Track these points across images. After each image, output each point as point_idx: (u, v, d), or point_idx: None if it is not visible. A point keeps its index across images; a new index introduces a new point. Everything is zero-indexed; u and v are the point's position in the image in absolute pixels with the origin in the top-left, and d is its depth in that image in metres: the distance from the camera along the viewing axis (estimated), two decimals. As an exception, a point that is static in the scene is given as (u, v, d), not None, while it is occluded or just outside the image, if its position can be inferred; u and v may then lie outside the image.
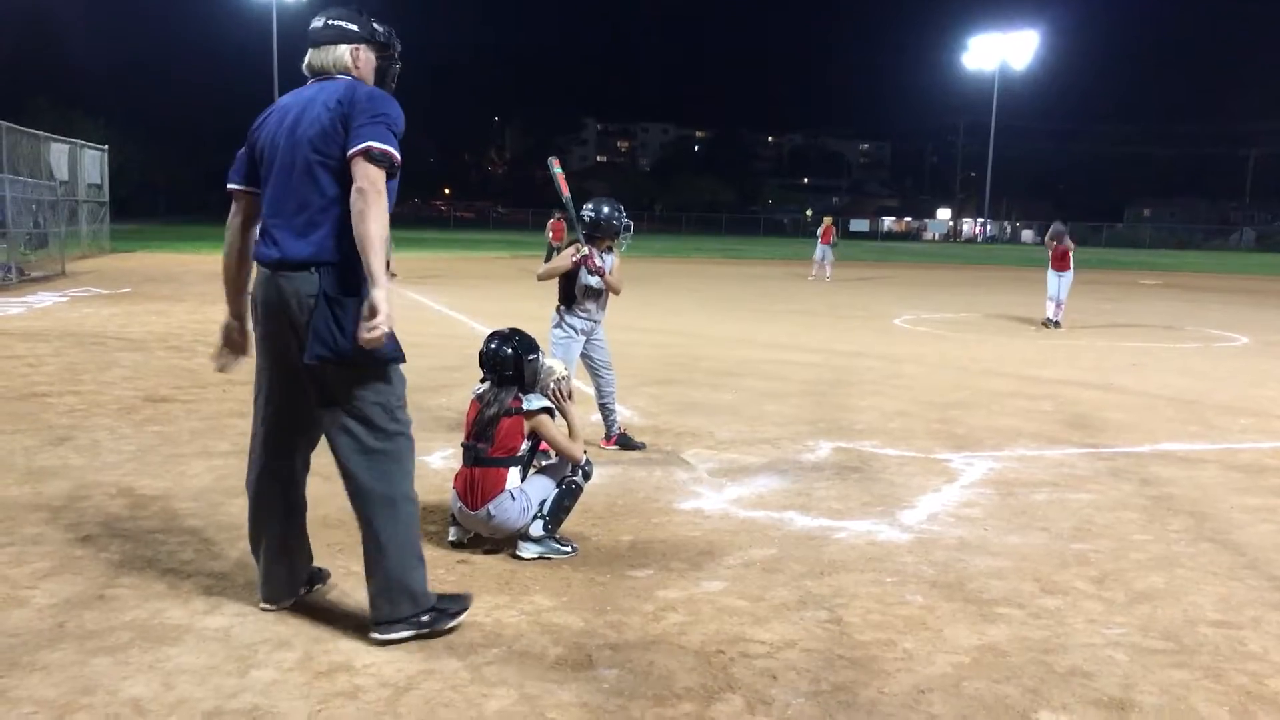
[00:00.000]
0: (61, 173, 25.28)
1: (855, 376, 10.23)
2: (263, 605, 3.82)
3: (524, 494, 4.54)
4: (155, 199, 79.00)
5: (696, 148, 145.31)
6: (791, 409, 8.31)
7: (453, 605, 3.71)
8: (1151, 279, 33.53)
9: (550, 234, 26.60)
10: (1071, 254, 15.92)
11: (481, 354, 4.74)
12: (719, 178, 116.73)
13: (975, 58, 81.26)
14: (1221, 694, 3.35)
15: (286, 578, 3.85)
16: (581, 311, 6.58)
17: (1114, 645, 3.72)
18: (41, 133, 24.32)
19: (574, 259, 6.43)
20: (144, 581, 4.10)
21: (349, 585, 4.10)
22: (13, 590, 3.96)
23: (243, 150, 3.70)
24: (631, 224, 6.72)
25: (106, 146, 31.58)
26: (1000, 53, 77.68)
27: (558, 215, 26.77)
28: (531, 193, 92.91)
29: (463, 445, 4.62)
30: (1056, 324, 15.64)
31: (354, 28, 3.63)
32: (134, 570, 4.22)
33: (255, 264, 3.61)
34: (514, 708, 3.13)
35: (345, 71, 3.60)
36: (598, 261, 6.45)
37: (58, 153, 25.20)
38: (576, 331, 6.58)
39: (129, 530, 4.74)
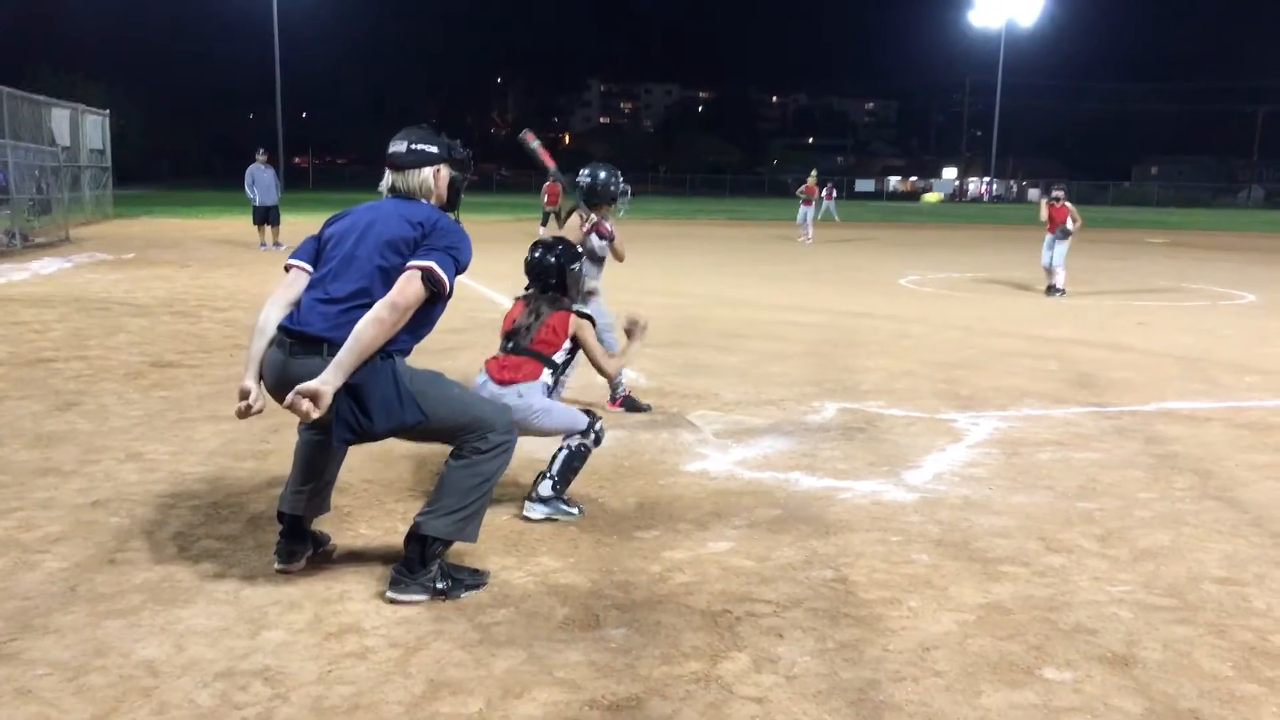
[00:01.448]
0: (63, 138, 25.17)
1: (861, 337, 10.22)
2: (277, 567, 3.85)
3: (554, 402, 4.60)
4: (157, 163, 78.73)
5: (700, 109, 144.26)
6: (797, 370, 8.31)
7: (470, 578, 3.76)
8: (1158, 237, 33.37)
9: (545, 198, 26.44)
10: (1062, 215, 14.78)
11: (526, 262, 4.86)
12: (723, 139, 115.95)
13: (981, 15, 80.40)
14: (1225, 650, 3.37)
15: (321, 503, 3.97)
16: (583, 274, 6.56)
17: (1118, 602, 3.74)
18: (43, 98, 24.21)
19: (584, 230, 6.40)
20: (154, 545, 4.13)
21: (358, 548, 4.13)
22: (24, 554, 4.00)
23: (311, 238, 3.80)
24: (629, 188, 6.69)
25: (108, 111, 31.44)
26: (1007, 9, 76.87)
27: (553, 178, 26.54)
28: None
29: (502, 336, 4.71)
30: (1060, 290, 14.66)
31: (434, 150, 3.75)
32: (144, 534, 4.25)
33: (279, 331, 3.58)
34: (522, 667, 3.16)
35: (428, 193, 3.74)
36: (608, 226, 6.44)
37: (59, 118, 25.08)
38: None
39: (138, 495, 4.77)
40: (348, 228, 3.67)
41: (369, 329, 3.36)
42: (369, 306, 3.43)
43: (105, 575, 3.80)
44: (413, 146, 3.73)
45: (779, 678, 3.12)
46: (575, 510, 4.59)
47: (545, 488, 4.56)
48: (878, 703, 2.98)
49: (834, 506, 4.79)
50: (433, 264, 3.47)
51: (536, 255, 4.85)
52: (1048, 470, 5.46)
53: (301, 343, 3.47)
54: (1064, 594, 3.80)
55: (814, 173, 29.54)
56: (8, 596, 3.60)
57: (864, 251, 24.45)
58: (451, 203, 3.83)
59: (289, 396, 3.33)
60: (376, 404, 3.44)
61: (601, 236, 6.44)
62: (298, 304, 3.61)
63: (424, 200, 3.74)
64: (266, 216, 20.38)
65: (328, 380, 3.31)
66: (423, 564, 3.61)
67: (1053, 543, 4.35)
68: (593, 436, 4.71)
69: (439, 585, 3.63)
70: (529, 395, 4.50)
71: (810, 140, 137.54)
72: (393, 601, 3.58)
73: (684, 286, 14.88)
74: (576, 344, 4.76)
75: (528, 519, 4.51)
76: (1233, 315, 12.87)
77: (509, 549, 4.17)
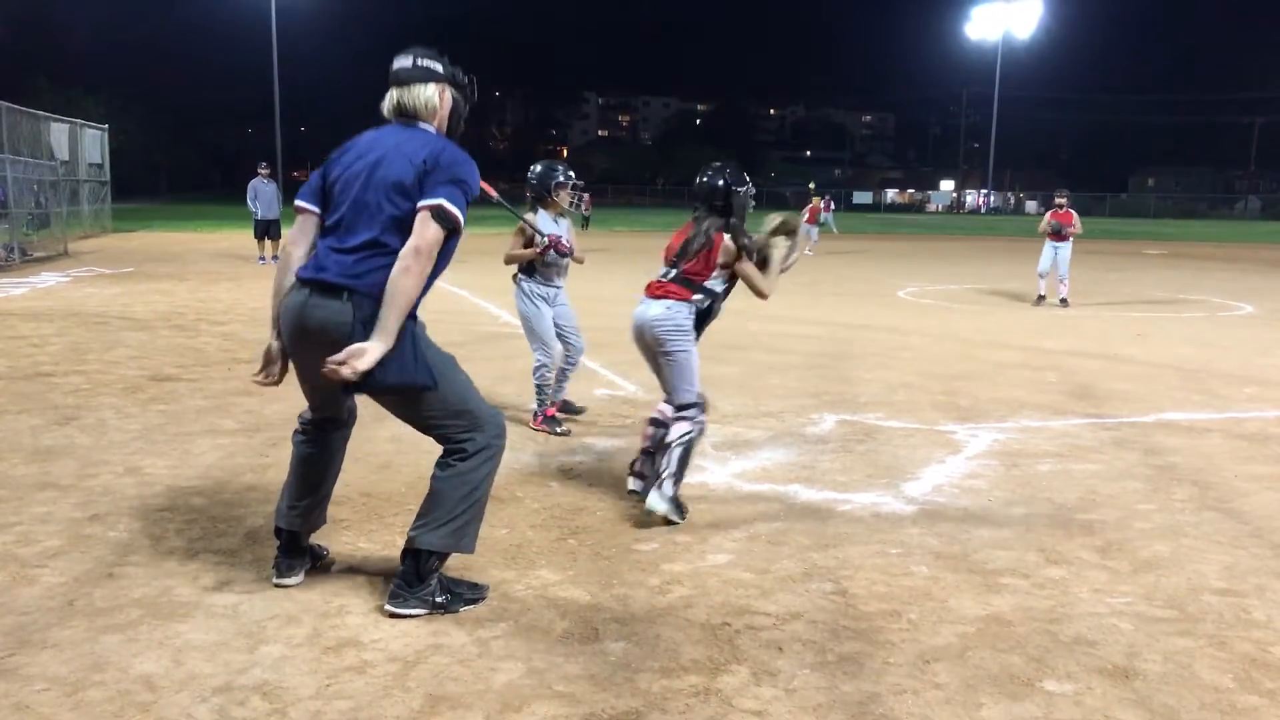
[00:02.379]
0: (62, 152, 25.24)
1: (859, 349, 10.23)
2: (275, 581, 3.84)
3: (692, 334, 4.86)
4: (156, 177, 78.88)
5: (698, 121, 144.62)
6: (795, 382, 8.31)
7: (469, 592, 3.75)
8: (1156, 248, 33.42)
9: None
10: (1066, 219, 14.88)
11: (697, 184, 5.05)
12: (721, 151, 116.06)
13: (978, 27, 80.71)
14: (1225, 661, 3.36)
15: (317, 518, 3.95)
16: (542, 279, 6.55)
17: (1118, 614, 3.73)
18: (41, 113, 24.30)
19: (540, 250, 6.37)
20: (152, 559, 4.12)
21: (357, 562, 4.12)
22: (22, 569, 3.99)
23: (316, 173, 3.74)
24: (580, 184, 6.71)
25: (107, 126, 31.53)
26: (1003, 22, 77.13)
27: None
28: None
29: (665, 263, 5.03)
30: (1062, 301, 14.77)
31: (440, 69, 3.69)
32: (142, 548, 4.24)
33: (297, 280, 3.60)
34: (521, 681, 3.15)
35: (432, 112, 3.65)
36: (565, 243, 6.38)
37: (58, 132, 25.15)
38: (543, 300, 6.55)
39: (136, 509, 4.76)
40: (354, 169, 3.58)
41: (402, 281, 3.34)
42: (383, 253, 3.42)
43: (103, 590, 3.79)
44: (419, 62, 3.67)
45: (779, 690, 3.11)
46: (685, 516, 4.74)
47: (669, 487, 4.70)
48: (878, 716, 2.98)
49: (833, 519, 4.79)
50: (441, 200, 3.41)
51: (706, 178, 5.03)
52: (1047, 482, 5.46)
53: (320, 288, 3.47)
54: (1064, 606, 3.80)
55: (812, 185, 29.69)
56: (5, 611, 3.59)
57: (862, 263, 24.48)
58: (452, 130, 3.75)
59: (327, 366, 3.31)
60: (392, 358, 3.41)
61: (561, 255, 6.39)
62: (314, 251, 3.59)
63: (427, 123, 3.65)
64: (267, 230, 20.42)
65: (376, 344, 3.33)
66: (420, 578, 3.60)
67: (1052, 554, 4.34)
68: (702, 422, 4.88)
69: (438, 599, 3.62)
70: (674, 309, 4.86)
71: (808, 152, 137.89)
72: (391, 615, 3.57)
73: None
74: (731, 277, 4.97)
75: (652, 512, 4.66)
76: (1231, 326, 12.88)
77: (508, 562, 4.17)
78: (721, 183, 4.96)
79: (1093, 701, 3.08)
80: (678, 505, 4.70)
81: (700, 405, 4.88)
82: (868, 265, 23.95)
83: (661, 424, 4.94)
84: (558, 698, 3.05)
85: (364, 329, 3.38)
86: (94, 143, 29.35)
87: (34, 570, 3.98)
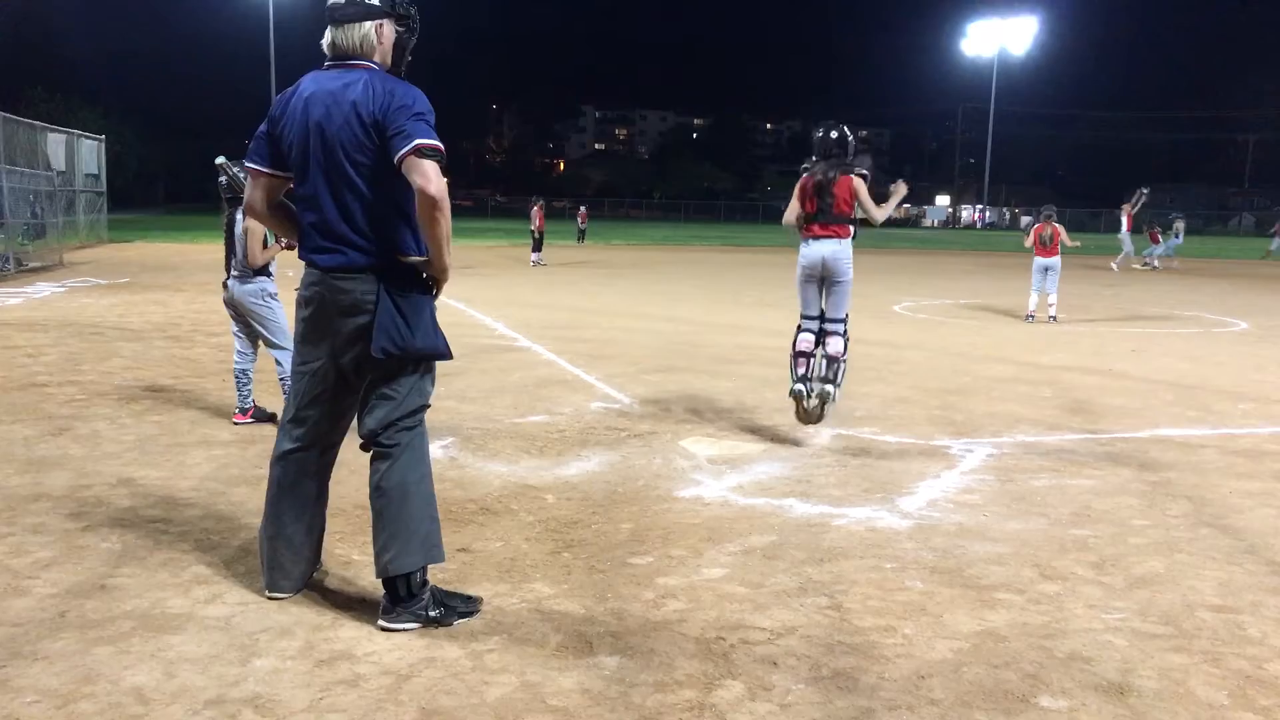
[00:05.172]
0: (59, 163, 25.27)
1: (855, 363, 10.18)
2: (270, 594, 3.82)
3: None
4: (153, 188, 78.89)
5: (695, 135, 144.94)
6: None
7: (462, 605, 3.72)
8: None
9: (535, 221, 26.67)
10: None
11: (818, 140, 6.41)
12: (718, 164, 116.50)
13: (974, 44, 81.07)
14: (1220, 678, 3.36)
15: (304, 571, 3.87)
16: (271, 275, 6.93)
17: (1113, 630, 3.72)
18: (38, 123, 24.35)
19: (286, 246, 6.42)
20: (145, 571, 4.10)
21: (350, 574, 4.11)
22: (14, 580, 3.97)
23: (263, 129, 3.64)
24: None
25: (104, 137, 31.59)
26: (999, 39, 77.47)
27: (540, 202, 27.16)
28: (530, 181, 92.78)
29: (806, 212, 6.37)
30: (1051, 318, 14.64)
31: (376, 2, 3.54)
32: (135, 560, 4.22)
33: (306, 264, 3.64)
34: (515, 695, 3.13)
35: (371, 49, 3.53)
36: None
37: (55, 143, 25.18)
38: (276, 298, 6.89)
39: (130, 520, 4.75)
40: (302, 124, 3.49)
41: (433, 230, 3.39)
42: (373, 214, 3.45)
43: (95, 601, 3.78)
44: None
45: (773, 705, 3.10)
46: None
47: (839, 394, 6.47)
48: (872, 731, 2.96)
49: (828, 533, 4.78)
50: (416, 140, 3.30)
51: (821, 133, 6.40)
52: (1042, 497, 5.46)
53: (336, 273, 3.51)
54: (1059, 621, 3.79)
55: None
56: (-3, 623, 3.57)
57: (858, 278, 24.48)
58: (397, 64, 3.63)
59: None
60: (420, 325, 3.51)
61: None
62: (311, 232, 3.56)
63: (365, 64, 3.52)
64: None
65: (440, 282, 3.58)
66: (410, 594, 3.58)
67: (1047, 570, 4.34)
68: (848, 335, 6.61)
69: (431, 613, 3.60)
70: (846, 245, 6.35)
71: (804, 167, 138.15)
72: (385, 629, 3.56)
73: (678, 311, 14.89)
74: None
75: (835, 400, 6.53)
76: (1226, 342, 12.90)
77: (502, 575, 4.15)
78: (836, 134, 6.31)
79: (1087, 718, 3.07)
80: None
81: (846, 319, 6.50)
82: (863, 279, 23.96)
83: (818, 344, 6.52)
84: (552, 712, 3.03)
85: (390, 297, 3.45)
86: (90, 153, 29.40)
87: (26, 581, 3.96)
